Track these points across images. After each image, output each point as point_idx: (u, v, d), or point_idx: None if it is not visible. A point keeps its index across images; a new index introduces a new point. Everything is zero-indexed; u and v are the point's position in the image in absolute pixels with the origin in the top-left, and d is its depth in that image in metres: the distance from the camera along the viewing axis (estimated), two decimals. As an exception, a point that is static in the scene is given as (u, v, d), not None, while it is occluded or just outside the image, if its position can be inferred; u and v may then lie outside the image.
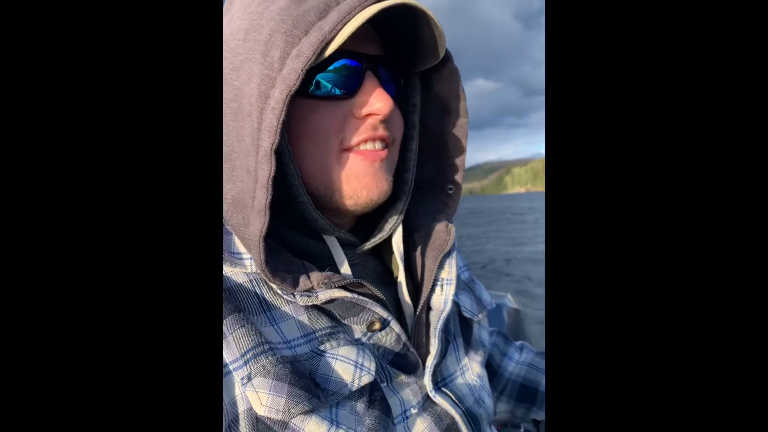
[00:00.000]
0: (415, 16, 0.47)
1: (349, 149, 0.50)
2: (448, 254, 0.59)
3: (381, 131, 0.50)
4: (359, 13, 0.44)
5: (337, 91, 0.49)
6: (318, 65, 0.47)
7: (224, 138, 0.48)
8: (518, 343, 0.85)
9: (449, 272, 0.58)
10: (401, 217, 0.57)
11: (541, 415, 0.76)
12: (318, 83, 0.48)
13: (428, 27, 0.48)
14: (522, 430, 1.21)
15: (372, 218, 0.58)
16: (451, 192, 0.60)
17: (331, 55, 0.46)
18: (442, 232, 0.59)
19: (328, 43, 0.44)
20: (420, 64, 0.54)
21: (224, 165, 0.48)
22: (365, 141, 0.49)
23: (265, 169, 0.42)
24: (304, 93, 0.48)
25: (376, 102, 0.48)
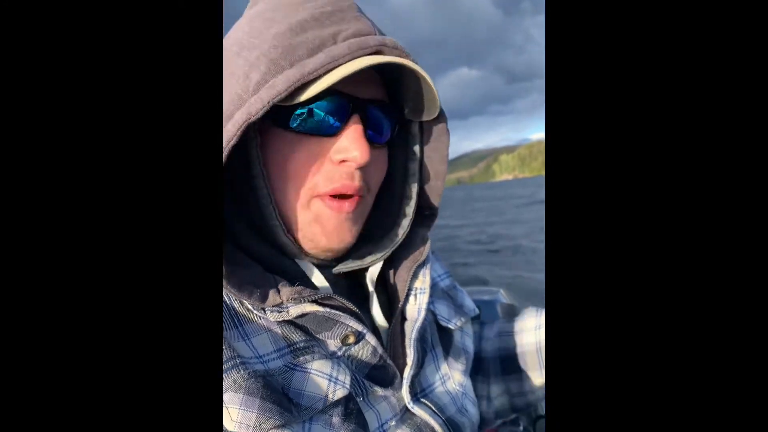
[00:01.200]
0: (410, 72, 0.47)
1: (319, 195, 0.49)
2: (422, 265, 0.59)
3: (357, 182, 0.49)
4: (346, 64, 0.43)
5: (318, 130, 0.48)
6: (302, 99, 0.46)
7: None
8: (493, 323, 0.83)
9: (423, 281, 0.58)
10: (384, 256, 0.56)
11: (530, 384, 0.71)
12: (301, 118, 0.47)
13: (422, 85, 0.48)
14: (521, 428, 1.18)
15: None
16: (427, 214, 0.61)
17: (319, 92, 0.45)
18: (418, 244, 0.59)
19: (308, 84, 0.43)
20: (417, 116, 0.54)
21: None
22: (339, 191, 0.48)
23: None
24: (285, 126, 0.47)
25: (354, 149, 0.46)
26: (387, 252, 0.56)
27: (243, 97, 0.43)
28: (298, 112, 0.47)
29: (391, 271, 0.59)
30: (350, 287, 0.58)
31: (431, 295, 0.60)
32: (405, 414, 0.53)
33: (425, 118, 0.53)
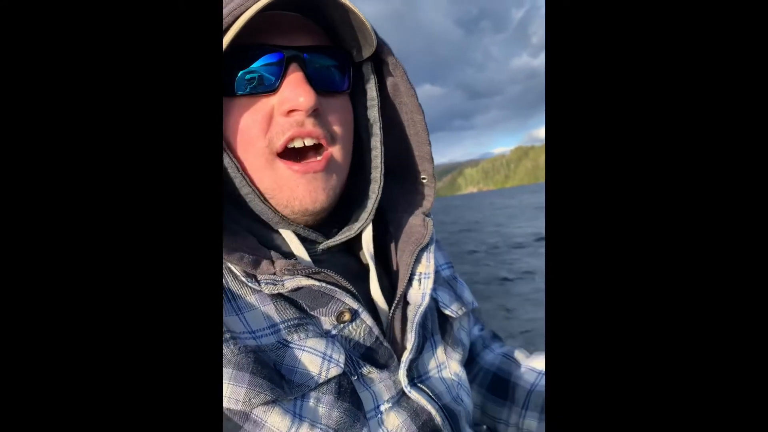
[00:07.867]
0: (331, 4, 0.46)
1: (279, 154, 0.48)
2: (425, 248, 0.57)
3: (309, 127, 0.48)
4: (256, 4, 0.43)
5: (260, 88, 0.47)
6: (240, 63, 0.47)
7: None
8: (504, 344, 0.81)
9: (427, 266, 0.56)
10: (371, 217, 0.55)
11: (513, 419, 0.69)
12: (242, 82, 0.47)
13: (349, 14, 0.47)
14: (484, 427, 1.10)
15: (343, 213, 0.57)
16: (425, 181, 0.59)
17: (251, 51, 0.46)
18: (419, 226, 0.57)
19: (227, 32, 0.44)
20: (360, 54, 0.52)
21: None
22: (292, 139, 0.47)
23: None
24: (231, 93, 0.47)
25: (298, 96, 0.46)
26: (370, 213, 0.55)
27: None
28: (239, 75, 0.47)
29: (393, 254, 0.58)
30: (348, 268, 0.56)
31: (434, 281, 0.58)
32: (401, 397, 0.52)
33: (366, 53, 0.52)
